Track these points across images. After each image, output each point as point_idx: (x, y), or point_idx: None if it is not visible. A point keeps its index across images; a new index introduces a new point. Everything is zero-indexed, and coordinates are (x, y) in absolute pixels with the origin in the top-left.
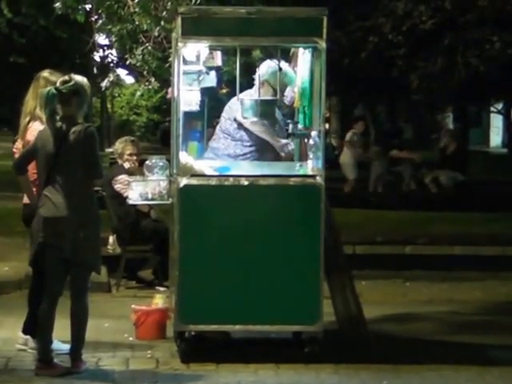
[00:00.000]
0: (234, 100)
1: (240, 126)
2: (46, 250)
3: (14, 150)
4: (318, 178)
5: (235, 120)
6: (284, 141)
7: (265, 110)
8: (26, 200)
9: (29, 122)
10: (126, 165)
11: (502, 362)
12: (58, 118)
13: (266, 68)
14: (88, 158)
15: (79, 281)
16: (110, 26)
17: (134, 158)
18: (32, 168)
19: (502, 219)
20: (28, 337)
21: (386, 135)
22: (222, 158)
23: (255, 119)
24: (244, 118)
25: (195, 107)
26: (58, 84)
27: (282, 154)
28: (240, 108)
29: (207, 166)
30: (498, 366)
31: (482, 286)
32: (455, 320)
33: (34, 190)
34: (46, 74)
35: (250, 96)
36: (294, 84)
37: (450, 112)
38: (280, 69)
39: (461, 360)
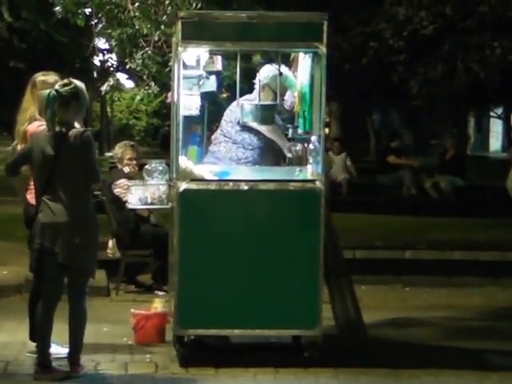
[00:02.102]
0: (235, 103)
1: (244, 127)
2: (43, 256)
3: None
4: (317, 182)
5: (238, 123)
6: (288, 143)
7: (265, 114)
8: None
9: (29, 124)
10: (126, 169)
11: (502, 368)
12: (56, 121)
13: (266, 72)
14: (85, 162)
15: (76, 286)
16: (109, 31)
17: (134, 162)
18: None
19: (502, 225)
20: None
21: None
22: (223, 162)
23: (270, 127)
24: (261, 124)
25: (195, 112)
26: (57, 87)
27: (289, 155)
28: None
29: (207, 170)
30: (497, 372)
31: (481, 292)
32: (455, 325)
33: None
34: (41, 77)
35: (249, 100)
36: (295, 88)
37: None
38: (280, 73)
39: (460, 365)
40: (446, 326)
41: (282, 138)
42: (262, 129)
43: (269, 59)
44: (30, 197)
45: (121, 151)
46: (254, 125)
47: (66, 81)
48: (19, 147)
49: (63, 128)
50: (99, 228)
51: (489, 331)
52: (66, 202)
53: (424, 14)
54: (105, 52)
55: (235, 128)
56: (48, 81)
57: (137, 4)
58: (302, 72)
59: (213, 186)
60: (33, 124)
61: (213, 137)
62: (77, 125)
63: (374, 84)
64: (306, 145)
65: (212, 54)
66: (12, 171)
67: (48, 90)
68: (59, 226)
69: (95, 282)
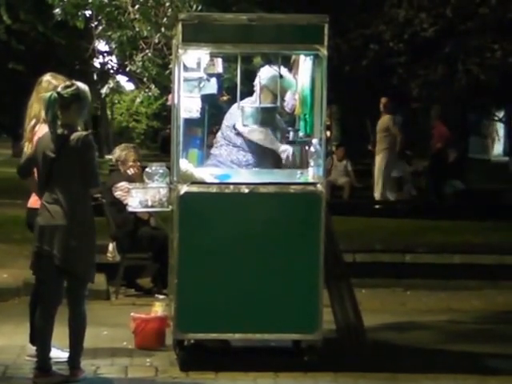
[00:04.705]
0: (234, 107)
1: (239, 133)
2: (41, 260)
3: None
4: (318, 185)
5: (234, 128)
6: (284, 146)
7: (265, 117)
8: (30, 204)
9: (35, 126)
10: (131, 171)
11: (501, 372)
12: (59, 123)
13: (265, 73)
14: (85, 166)
15: (75, 290)
16: (109, 33)
17: (138, 163)
18: None
19: (501, 228)
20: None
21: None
22: (225, 165)
23: (254, 127)
24: (244, 125)
25: (195, 114)
26: (59, 89)
27: (284, 156)
28: (240, 115)
29: (207, 173)
30: (496, 376)
31: (480, 295)
32: (454, 329)
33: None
34: (48, 77)
35: (249, 103)
36: (295, 90)
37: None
38: (281, 76)
39: (459, 369)
40: (445, 329)
41: (274, 143)
42: (253, 138)
43: (269, 61)
44: (34, 200)
45: (124, 153)
46: (246, 133)
47: (68, 83)
48: (26, 145)
49: (65, 130)
50: (96, 231)
51: (488, 335)
52: (64, 204)
53: (424, 16)
54: (105, 54)
55: (233, 132)
56: (52, 82)
57: (137, 6)
58: (303, 75)
59: (213, 189)
60: (41, 127)
61: (214, 140)
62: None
63: (374, 86)
64: (307, 148)
65: (212, 56)
66: (22, 174)
67: (49, 93)
68: (57, 229)
69: (95, 285)
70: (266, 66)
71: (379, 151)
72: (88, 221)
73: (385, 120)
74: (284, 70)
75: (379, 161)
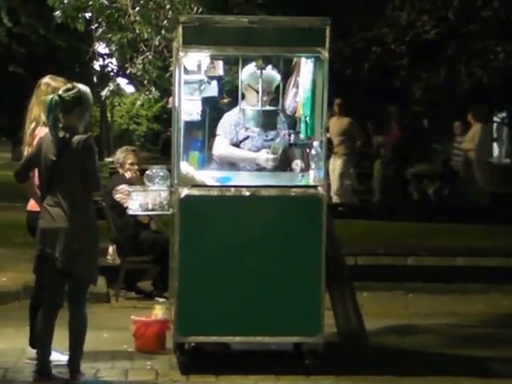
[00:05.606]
0: (230, 112)
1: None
2: (43, 262)
3: None
4: (319, 188)
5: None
6: (262, 154)
7: (267, 119)
8: (30, 207)
9: (35, 129)
10: (128, 174)
11: (504, 375)
12: (60, 126)
13: (246, 72)
14: (86, 169)
15: (76, 293)
16: (110, 35)
17: (136, 167)
18: None
19: (505, 231)
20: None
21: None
22: (229, 168)
23: (221, 151)
24: (220, 146)
25: (196, 117)
26: (60, 92)
27: (268, 167)
28: (217, 141)
29: (208, 176)
30: (499, 379)
31: (483, 299)
32: (457, 332)
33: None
34: (47, 79)
35: (236, 113)
36: (276, 84)
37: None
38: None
39: (462, 373)
40: (448, 333)
41: (249, 155)
42: (228, 160)
43: (269, 64)
44: (33, 203)
45: (122, 156)
46: (218, 157)
47: (69, 85)
48: (26, 149)
49: (67, 134)
50: (99, 235)
51: (491, 338)
52: (65, 207)
53: (426, 18)
54: (105, 57)
55: None
56: (52, 84)
57: (137, 8)
58: (304, 77)
59: (214, 192)
60: (41, 130)
61: None
62: None
63: (375, 89)
64: (307, 150)
65: (213, 58)
66: (20, 177)
67: (50, 96)
68: (59, 232)
69: (95, 288)
70: (247, 66)
71: (339, 155)
72: (90, 223)
73: (343, 123)
74: (269, 68)
75: (341, 165)
